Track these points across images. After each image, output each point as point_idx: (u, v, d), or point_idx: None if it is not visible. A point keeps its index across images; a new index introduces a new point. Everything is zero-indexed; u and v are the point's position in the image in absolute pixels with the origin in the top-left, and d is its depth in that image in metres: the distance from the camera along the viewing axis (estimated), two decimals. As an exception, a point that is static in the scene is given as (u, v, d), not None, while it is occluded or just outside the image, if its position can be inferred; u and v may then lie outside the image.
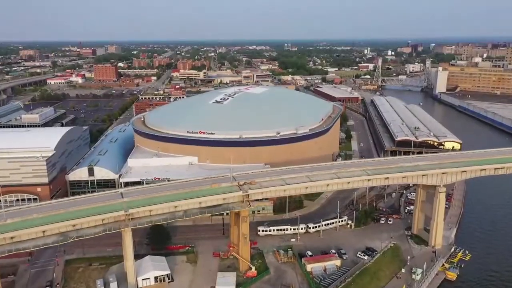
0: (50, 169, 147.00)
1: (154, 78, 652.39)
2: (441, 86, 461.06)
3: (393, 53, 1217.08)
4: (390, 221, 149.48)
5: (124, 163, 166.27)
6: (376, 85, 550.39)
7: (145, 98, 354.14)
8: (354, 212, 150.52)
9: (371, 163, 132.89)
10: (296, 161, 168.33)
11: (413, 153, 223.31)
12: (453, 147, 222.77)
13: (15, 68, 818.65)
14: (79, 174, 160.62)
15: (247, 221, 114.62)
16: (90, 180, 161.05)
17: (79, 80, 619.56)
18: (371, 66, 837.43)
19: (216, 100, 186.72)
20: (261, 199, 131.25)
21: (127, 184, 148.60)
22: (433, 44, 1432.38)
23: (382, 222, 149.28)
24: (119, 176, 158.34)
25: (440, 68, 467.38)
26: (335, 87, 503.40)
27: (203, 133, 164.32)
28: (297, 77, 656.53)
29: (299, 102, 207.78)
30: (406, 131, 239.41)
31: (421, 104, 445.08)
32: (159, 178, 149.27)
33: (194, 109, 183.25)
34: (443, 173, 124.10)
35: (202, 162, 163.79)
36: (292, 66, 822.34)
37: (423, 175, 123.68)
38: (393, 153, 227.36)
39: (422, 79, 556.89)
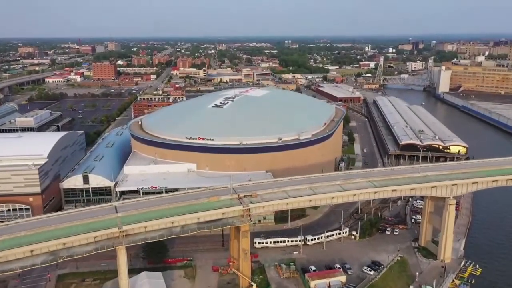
0: (42, 177, 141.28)
1: (153, 76, 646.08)
2: (444, 86, 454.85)
3: (394, 50, 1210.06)
4: (396, 231, 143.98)
5: (121, 169, 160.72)
6: (378, 84, 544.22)
7: (143, 98, 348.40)
8: (359, 222, 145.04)
9: (377, 173, 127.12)
10: (298, 168, 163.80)
11: (418, 157, 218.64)
12: (459, 151, 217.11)
13: (13, 66, 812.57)
14: (74, 182, 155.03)
15: (247, 236, 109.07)
16: (85, 188, 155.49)
17: (78, 78, 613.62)
18: (372, 64, 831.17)
19: (215, 104, 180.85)
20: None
21: (123, 193, 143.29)
22: (434, 42, 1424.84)
23: (387, 232, 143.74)
24: (115, 184, 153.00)
25: (443, 68, 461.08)
26: (336, 86, 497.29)
27: (202, 139, 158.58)
28: (298, 75, 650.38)
29: (301, 105, 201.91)
30: (411, 134, 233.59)
31: (423, 104, 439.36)
32: (156, 187, 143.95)
33: (192, 113, 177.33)
34: (453, 185, 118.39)
35: (201, 169, 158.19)
36: (292, 64, 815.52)
37: (433, 187, 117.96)
38: (398, 157, 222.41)
39: (424, 78, 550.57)
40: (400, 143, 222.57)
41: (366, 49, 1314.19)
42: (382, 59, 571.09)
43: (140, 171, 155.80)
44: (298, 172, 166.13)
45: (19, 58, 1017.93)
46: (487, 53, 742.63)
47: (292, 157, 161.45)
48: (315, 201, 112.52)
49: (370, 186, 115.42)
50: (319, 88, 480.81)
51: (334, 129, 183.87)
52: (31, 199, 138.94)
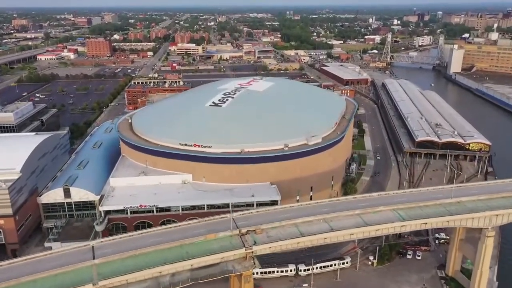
0: (15, 196, 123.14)
1: (150, 53, 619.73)
2: (456, 66, 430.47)
3: (399, 22, 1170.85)
4: (418, 255, 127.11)
5: (108, 177, 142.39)
6: (385, 62, 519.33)
7: (137, 83, 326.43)
8: (376, 245, 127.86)
9: (401, 198, 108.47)
10: (307, 178, 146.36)
11: (435, 155, 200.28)
12: (480, 149, 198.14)
13: (6, 41, 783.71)
14: (54, 196, 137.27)
15: (250, 281, 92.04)
16: (66, 203, 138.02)
17: (71, 55, 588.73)
18: (378, 38, 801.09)
19: (213, 102, 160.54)
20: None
21: (108, 213, 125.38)
22: (440, 12, 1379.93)
23: (409, 256, 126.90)
24: (101, 198, 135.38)
25: (455, 46, 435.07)
26: (342, 65, 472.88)
27: (198, 146, 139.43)
28: (301, 52, 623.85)
29: (309, 100, 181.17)
30: (427, 128, 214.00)
31: (432, 85, 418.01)
32: (145, 206, 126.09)
33: (187, 114, 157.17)
34: (494, 215, 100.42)
35: (197, 181, 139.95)
36: (295, 39, 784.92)
37: (470, 218, 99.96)
38: (413, 155, 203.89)
39: (434, 56, 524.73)
40: (416, 140, 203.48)
41: (370, 20, 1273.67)
42: (389, 36, 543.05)
43: (128, 183, 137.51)
44: (307, 183, 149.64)
45: (12, 32, 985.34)
46: (495, 25, 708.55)
47: (300, 165, 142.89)
48: (331, 239, 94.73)
49: (397, 219, 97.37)
50: (323, 68, 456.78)
51: (346, 129, 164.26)
52: (1, 221, 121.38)
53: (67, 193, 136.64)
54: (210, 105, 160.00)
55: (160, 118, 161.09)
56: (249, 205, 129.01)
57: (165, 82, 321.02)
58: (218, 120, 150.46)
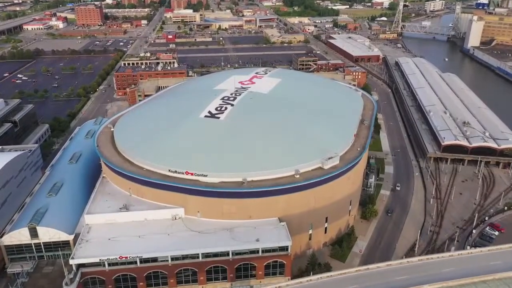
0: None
1: (144, 21, 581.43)
2: (474, 39, 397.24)
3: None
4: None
5: (87, 204, 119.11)
6: (395, 33, 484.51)
7: (127, 64, 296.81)
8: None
9: (448, 267, 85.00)
10: (321, 209, 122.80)
11: (464, 161, 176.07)
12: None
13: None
14: (18, 236, 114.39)
15: None
16: (34, 244, 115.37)
17: (60, 24, 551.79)
18: (386, 2, 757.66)
19: (209, 112, 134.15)
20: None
21: (81, 266, 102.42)
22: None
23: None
24: (75, 236, 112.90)
25: (474, 18, 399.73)
26: (350, 37, 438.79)
27: (191, 174, 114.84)
28: (304, 20, 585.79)
29: (321, 104, 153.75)
30: (454, 128, 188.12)
31: (446, 60, 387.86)
32: (127, 257, 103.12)
33: (178, 128, 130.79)
34: None
35: (190, 215, 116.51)
36: (298, 3, 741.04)
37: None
38: (438, 160, 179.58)
39: (449, 27, 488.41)
40: (442, 144, 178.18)
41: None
42: (401, 3, 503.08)
43: (107, 221, 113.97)
44: (322, 214, 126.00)
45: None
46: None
47: (314, 196, 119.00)
48: None
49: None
50: (330, 41, 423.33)
51: (367, 144, 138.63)
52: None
53: (33, 233, 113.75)
54: (206, 116, 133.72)
55: (147, 132, 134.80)
56: (253, 252, 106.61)
57: (158, 63, 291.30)
58: (215, 138, 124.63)
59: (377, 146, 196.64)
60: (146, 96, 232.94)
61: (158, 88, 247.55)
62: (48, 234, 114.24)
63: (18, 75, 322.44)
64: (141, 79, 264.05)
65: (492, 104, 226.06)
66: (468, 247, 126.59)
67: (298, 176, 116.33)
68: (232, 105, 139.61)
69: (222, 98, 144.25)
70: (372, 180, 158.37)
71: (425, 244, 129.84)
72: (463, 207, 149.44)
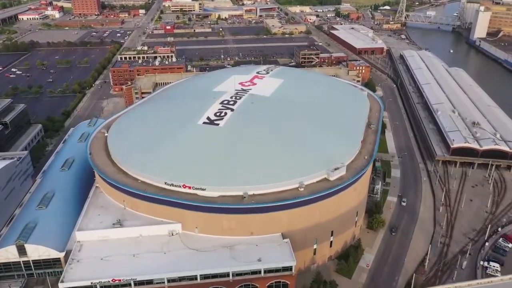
0: None
1: (142, 11, 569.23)
2: (480, 30, 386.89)
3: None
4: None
5: (80, 214, 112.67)
6: (399, 23, 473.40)
7: (124, 59, 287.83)
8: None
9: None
10: (326, 222, 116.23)
11: (474, 164, 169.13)
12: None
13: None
14: (5, 254, 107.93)
15: None
16: (23, 261, 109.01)
17: (56, 14, 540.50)
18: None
19: (208, 118, 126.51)
20: None
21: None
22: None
23: None
24: (65, 254, 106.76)
25: (481, 8, 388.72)
26: (353, 28, 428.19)
27: (189, 187, 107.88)
28: (306, 9, 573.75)
29: (326, 107, 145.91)
30: (463, 129, 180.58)
31: (451, 51, 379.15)
32: (120, 280, 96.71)
33: (175, 135, 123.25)
34: None
35: (188, 231, 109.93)
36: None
37: None
38: (446, 163, 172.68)
39: (453, 16, 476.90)
40: (451, 146, 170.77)
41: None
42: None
43: (99, 238, 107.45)
44: (327, 228, 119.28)
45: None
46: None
47: (319, 209, 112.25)
48: None
49: None
50: (333, 32, 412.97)
51: (375, 151, 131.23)
52: None
53: (22, 251, 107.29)
54: (204, 123, 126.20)
55: (142, 140, 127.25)
56: (255, 272, 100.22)
57: (155, 57, 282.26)
58: (214, 148, 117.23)
59: (383, 147, 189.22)
60: (143, 94, 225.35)
61: (156, 85, 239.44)
62: (37, 251, 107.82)
63: (12, 69, 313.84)
64: (138, 74, 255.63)
65: (500, 101, 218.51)
66: (481, 262, 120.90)
67: (302, 189, 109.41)
68: (232, 110, 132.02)
69: (222, 102, 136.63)
70: (378, 186, 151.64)
71: (435, 258, 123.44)
72: (474, 216, 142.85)
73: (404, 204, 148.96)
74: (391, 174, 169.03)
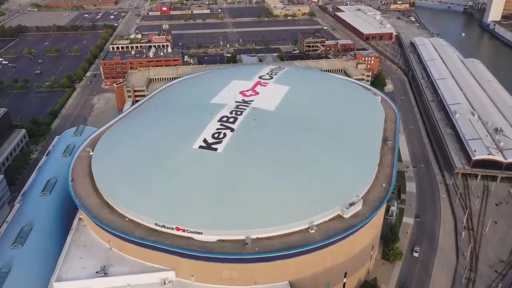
0: None
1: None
2: (495, 13, 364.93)
3: None
4: None
5: (60, 257, 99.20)
6: (408, 3, 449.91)
7: (116, 49, 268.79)
8: None
9: None
10: (340, 265, 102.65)
11: (497, 177, 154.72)
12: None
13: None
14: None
15: None
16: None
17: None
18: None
19: (204, 141, 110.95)
20: None
21: None
22: None
23: None
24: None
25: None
26: (359, 9, 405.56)
27: (183, 230, 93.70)
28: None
29: (337, 121, 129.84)
30: (485, 137, 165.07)
31: (463, 35, 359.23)
32: None
33: (167, 164, 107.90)
34: None
35: (183, 279, 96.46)
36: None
37: None
38: (467, 176, 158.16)
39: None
40: (473, 158, 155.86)
41: None
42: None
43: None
44: (340, 270, 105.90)
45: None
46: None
47: (332, 253, 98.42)
48: None
49: None
50: (338, 14, 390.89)
51: (394, 173, 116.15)
52: None
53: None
54: (201, 147, 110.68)
55: (130, 166, 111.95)
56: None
57: (149, 47, 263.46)
58: (211, 181, 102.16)
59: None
60: (135, 92, 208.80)
61: (150, 81, 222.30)
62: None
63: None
64: (131, 67, 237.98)
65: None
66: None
67: (313, 231, 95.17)
68: (232, 130, 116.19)
69: (220, 119, 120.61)
70: (394, 208, 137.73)
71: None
72: (499, 243, 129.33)
73: (416, 254, 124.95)
74: (406, 189, 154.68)
